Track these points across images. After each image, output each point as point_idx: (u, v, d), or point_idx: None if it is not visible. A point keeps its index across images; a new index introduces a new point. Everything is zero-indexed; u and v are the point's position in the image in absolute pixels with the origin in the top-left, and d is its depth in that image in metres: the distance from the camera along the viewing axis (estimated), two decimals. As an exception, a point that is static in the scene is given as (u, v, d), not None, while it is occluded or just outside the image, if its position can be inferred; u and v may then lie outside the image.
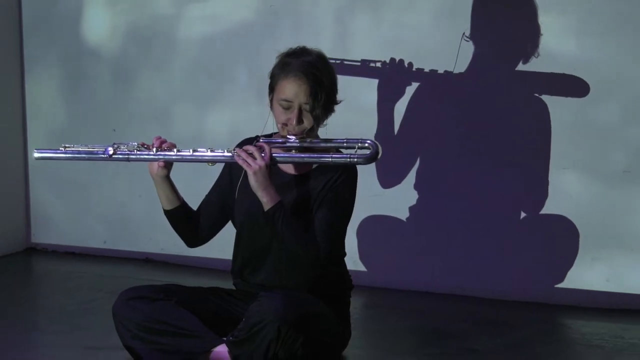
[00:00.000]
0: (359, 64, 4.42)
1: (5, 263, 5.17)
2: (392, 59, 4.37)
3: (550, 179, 4.28)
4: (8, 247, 5.33)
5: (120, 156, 3.26)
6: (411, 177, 4.48)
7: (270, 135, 3.32)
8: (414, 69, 4.37)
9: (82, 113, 5.26)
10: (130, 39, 5.11)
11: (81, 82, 5.25)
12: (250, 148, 3.18)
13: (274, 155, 3.19)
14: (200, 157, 3.24)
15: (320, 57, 3.26)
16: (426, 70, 4.38)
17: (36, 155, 3.36)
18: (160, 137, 3.29)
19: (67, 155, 3.32)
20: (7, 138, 5.33)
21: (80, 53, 5.23)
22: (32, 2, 5.31)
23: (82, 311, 4.18)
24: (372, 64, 4.41)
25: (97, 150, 3.28)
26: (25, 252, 5.42)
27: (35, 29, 5.32)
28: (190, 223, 3.42)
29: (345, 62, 4.33)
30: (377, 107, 4.44)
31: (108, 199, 5.23)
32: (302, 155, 3.21)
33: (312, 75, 3.19)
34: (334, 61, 3.37)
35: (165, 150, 3.25)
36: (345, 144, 3.22)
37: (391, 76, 4.40)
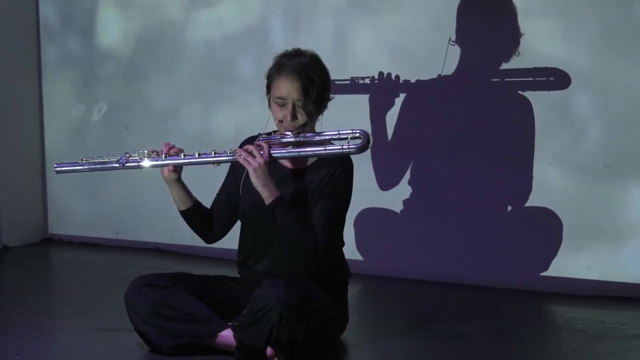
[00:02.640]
0: (348, 82, 4.42)
1: (24, 253, 5.18)
2: (380, 73, 4.36)
3: (535, 173, 4.28)
4: (26, 238, 5.34)
5: (133, 164, 3.29)
6: (406, 173, 4.48)
7: (270, 134, 3.32)
8: (401, 81, 4.37)
9: (96, 112, 5.25)
10: (141, 43, 5.11)
11: (95, 83, 5.25)
12: (250, 147, 3.19)
13: (272, 152, 3.19)
14: (205, 160, 3.25)
15: (313, 58, 3.27)
16: (412, 81, 4.38)
17: (56, 169, 3.39)
18: (168, 143, 3.31)
19: (85, 167, 3.34)
20: (26, 136, 5.34)
21: (94, 56, 5.23)
22: (48, 9, 5.31)
23: (95, 298, 4.18)
24: (361, 81, 4.41)
25: (112, 160, 3.30)
26: (43, 243, 5.42)
27: (51, 33, 5.33)
28: (205, 221, 3.43)
29: (336, 82, 4.32)
30: (370, 119, 4.43)
31: (120, 193, 5.23)
32: (299, 150, 3.22)
33: (304, 73, 3.20)
34: None
35: (173, 155, 3.28)
36: (337, 136, 3.22)
37: (380, 90, 4.40)
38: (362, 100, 4.44)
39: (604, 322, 3.83)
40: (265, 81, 3.29)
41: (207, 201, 3.45)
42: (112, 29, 5.18)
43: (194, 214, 3.40)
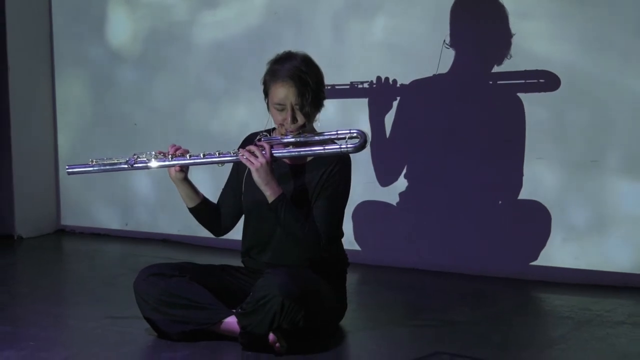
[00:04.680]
0: (348, 86, 4.41)
1: (38, 243, 5.18)
2: (379, 78, 4.36)
3: (525, 168, 4.27)
4: (40, 229, 5.35)
5: (141, 165, 3.29)
6: (403, 169, 4.48)
7: (270, 132, 3.32)
8: (398, 85, 4.36)
9: (106, 109, 5.25)
10: (150, 43, 5.11)
11: (105, 82, 5.25)
12: (252, 147, 3.19)
13: (273, 152, 3.19)
14: (210, 160, 3.26)
15: (304, 60, 3.25)
16: (409, 82, 4.37)
17: (68, 170, 3.39)
18: (174, 145, 3.32)
19: (95, 168, 3.34)
20: (39, 132, 5.34)
21: (104, 55, 5.22)
22: (61, 10, 5.30)
23: (106, 286, 4.18)
24: (360, 85, 4.40)
25: (121, 162, 3.30)
26: (56, 234, 5.42)
27: (64, 34, 5.32)
28: (213, 216, 3.43)
29: (336, 87, 4.32)
30: (370, 121, 4.42)
31: (130, 186, 5.22)
32: (299, 150, 3.22)
33: (298, 77, 3.19)
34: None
35: (179, 156, 3.28)
36: (336, 136, 3.22)
37: (379, 93, 4.39)
38: (362, 101, 4.43)
39: (590, 309, 3.83)
40: (262, 86, 3.29)
41: (213, 197, 3.45)
42: (122, 30, 5.18)
43: (202, 210, 3.40)
